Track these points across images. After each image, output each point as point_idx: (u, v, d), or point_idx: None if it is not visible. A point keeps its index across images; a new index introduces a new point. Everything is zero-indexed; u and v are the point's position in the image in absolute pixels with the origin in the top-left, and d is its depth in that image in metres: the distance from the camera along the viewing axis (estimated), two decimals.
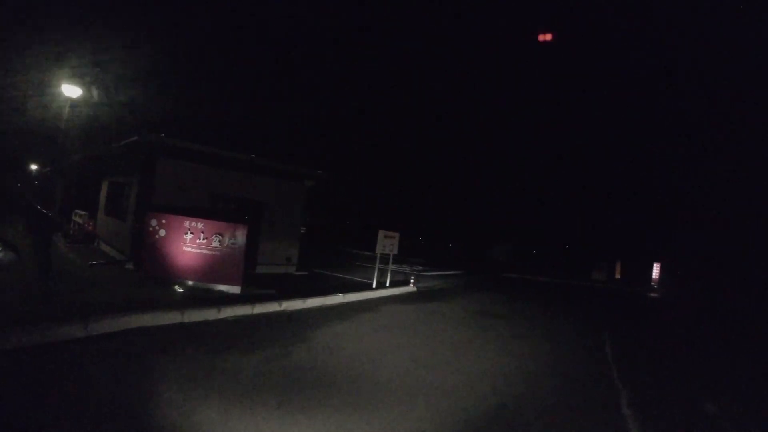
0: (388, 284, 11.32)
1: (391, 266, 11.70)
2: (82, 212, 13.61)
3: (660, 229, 25.10)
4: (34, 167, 31.95)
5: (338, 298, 8.82)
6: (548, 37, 12.66)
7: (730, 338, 10.22)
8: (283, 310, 7.31)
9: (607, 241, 28.64)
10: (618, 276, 23.38)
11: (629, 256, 24.69)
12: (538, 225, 34.53)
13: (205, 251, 7.80)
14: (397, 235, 11.54)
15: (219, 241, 7.79)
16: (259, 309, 6.98)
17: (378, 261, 10.85)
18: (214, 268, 7.77)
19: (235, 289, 7.78)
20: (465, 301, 11.00)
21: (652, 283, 20.47)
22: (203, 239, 7.78)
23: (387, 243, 11.17)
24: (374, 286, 10.75)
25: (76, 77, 12.76)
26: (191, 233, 7.77)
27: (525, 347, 6.56)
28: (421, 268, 19.21)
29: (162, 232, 7.76)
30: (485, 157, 48.22)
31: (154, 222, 7.75)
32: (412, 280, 11.91)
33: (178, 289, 7.36)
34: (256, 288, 8.34)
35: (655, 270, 20.53)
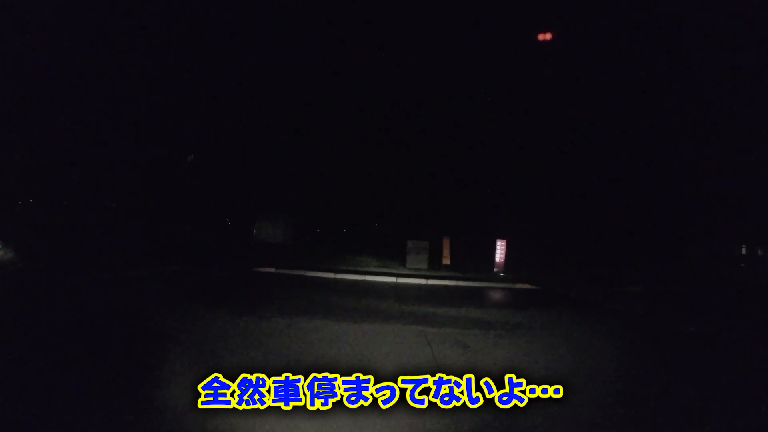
0: None
1: None
2: None
3: (503, 197, 19.77)
4: None
5: None
6: None
7: None
8: None
9: (432, 214, 21.92)
10: (447, 261, 16.96)
11: (463, 232, 18.49)
12: (331, 192, 23.83)
13: None
14: None
15: None
16: None
17: None
18: None
19: None
20: None
21: (496, 269, 14.33)
22: None
23: None
24: None
25: None
26: None
27: None
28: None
29: None
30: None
31: None
32: None
33: None
34: None
35: (499, 250, 14.49)
